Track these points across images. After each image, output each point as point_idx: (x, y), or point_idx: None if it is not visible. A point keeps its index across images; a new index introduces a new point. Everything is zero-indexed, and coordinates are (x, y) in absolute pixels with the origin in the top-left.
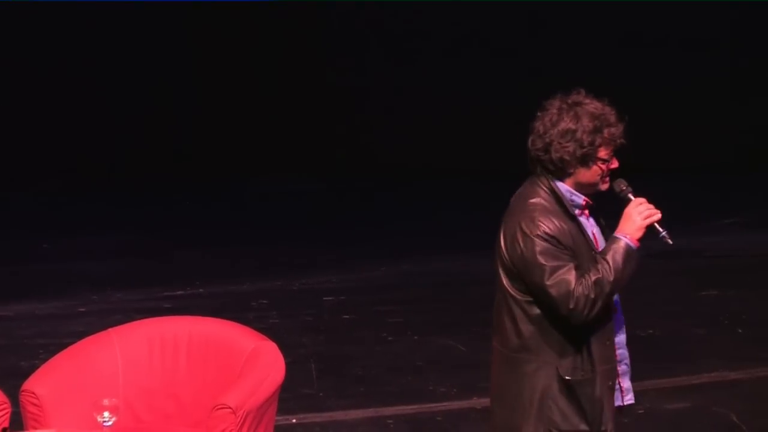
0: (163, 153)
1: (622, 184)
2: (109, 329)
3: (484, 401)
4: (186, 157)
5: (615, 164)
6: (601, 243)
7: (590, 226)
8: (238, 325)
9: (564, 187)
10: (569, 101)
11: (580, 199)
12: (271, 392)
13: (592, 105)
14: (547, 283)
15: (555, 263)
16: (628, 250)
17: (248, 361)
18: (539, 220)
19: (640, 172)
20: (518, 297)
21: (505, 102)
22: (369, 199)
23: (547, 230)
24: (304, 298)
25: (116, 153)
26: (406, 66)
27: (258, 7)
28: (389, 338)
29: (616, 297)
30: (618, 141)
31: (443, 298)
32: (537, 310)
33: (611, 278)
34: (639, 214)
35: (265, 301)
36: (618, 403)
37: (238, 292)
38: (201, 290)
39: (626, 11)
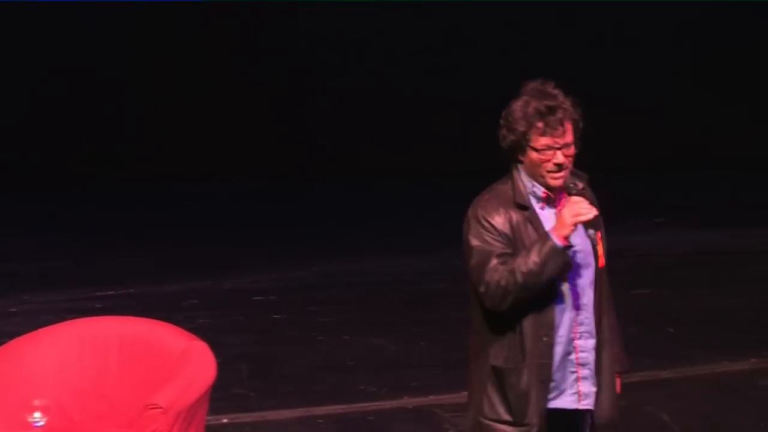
0: (95, 152)
1: (570, 182)
2: (40, 329)
3: (415, 401)
4: (119, 156)
5: (560, 159)
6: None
7: (553, 221)
8: (169, 325)
9: (526, 177)
10: (526, 88)
11: (540, 191)
12: (202, 392)
13: (541, 95)
14: (470, 264)
15: (481, 247)
16: (553, 247)
17: (179, 361)
18: (482, 205)
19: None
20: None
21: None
22: (299, 200)
23: (486, 215)
24: (234, 298)
25: (44, 151)
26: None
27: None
28: (319, 338)
29: (585, 301)
30: (550, 132)
31: (374, 298)
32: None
33: (525, 270)
34: (569, 212)
35: (195, 301)
36: (573, 406)
37: (168, 292)
38: (131, 290)
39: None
